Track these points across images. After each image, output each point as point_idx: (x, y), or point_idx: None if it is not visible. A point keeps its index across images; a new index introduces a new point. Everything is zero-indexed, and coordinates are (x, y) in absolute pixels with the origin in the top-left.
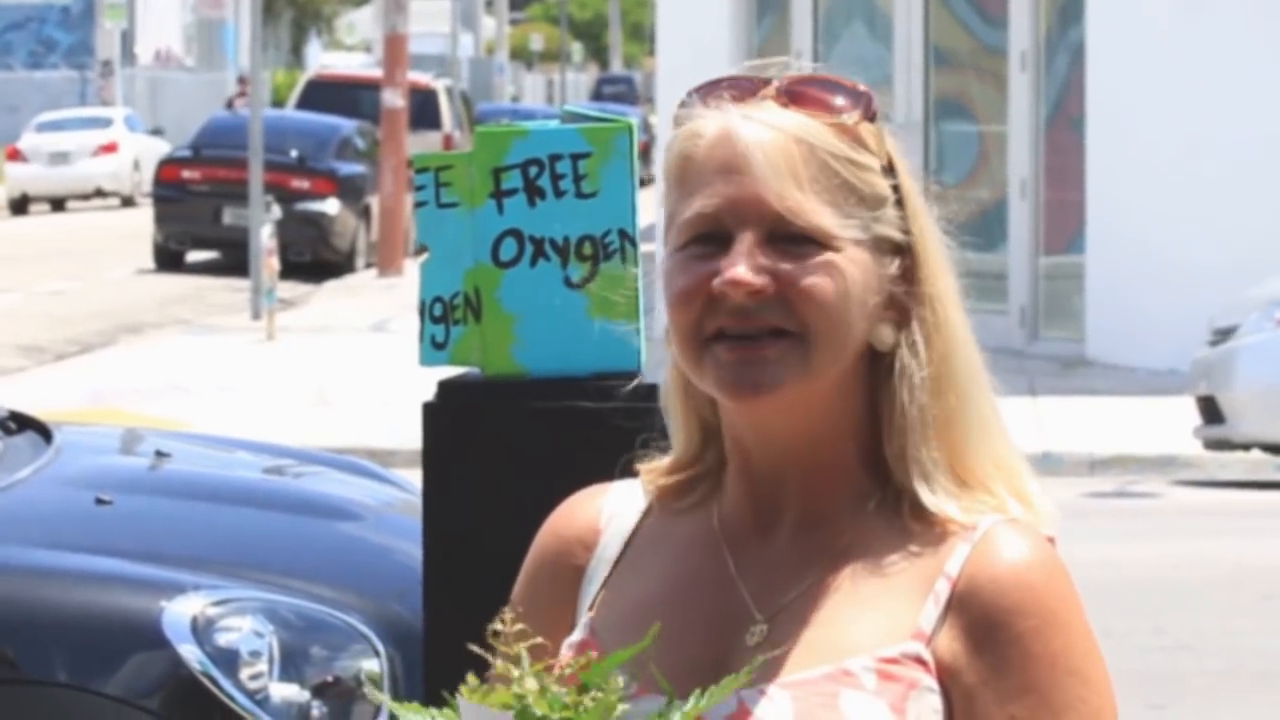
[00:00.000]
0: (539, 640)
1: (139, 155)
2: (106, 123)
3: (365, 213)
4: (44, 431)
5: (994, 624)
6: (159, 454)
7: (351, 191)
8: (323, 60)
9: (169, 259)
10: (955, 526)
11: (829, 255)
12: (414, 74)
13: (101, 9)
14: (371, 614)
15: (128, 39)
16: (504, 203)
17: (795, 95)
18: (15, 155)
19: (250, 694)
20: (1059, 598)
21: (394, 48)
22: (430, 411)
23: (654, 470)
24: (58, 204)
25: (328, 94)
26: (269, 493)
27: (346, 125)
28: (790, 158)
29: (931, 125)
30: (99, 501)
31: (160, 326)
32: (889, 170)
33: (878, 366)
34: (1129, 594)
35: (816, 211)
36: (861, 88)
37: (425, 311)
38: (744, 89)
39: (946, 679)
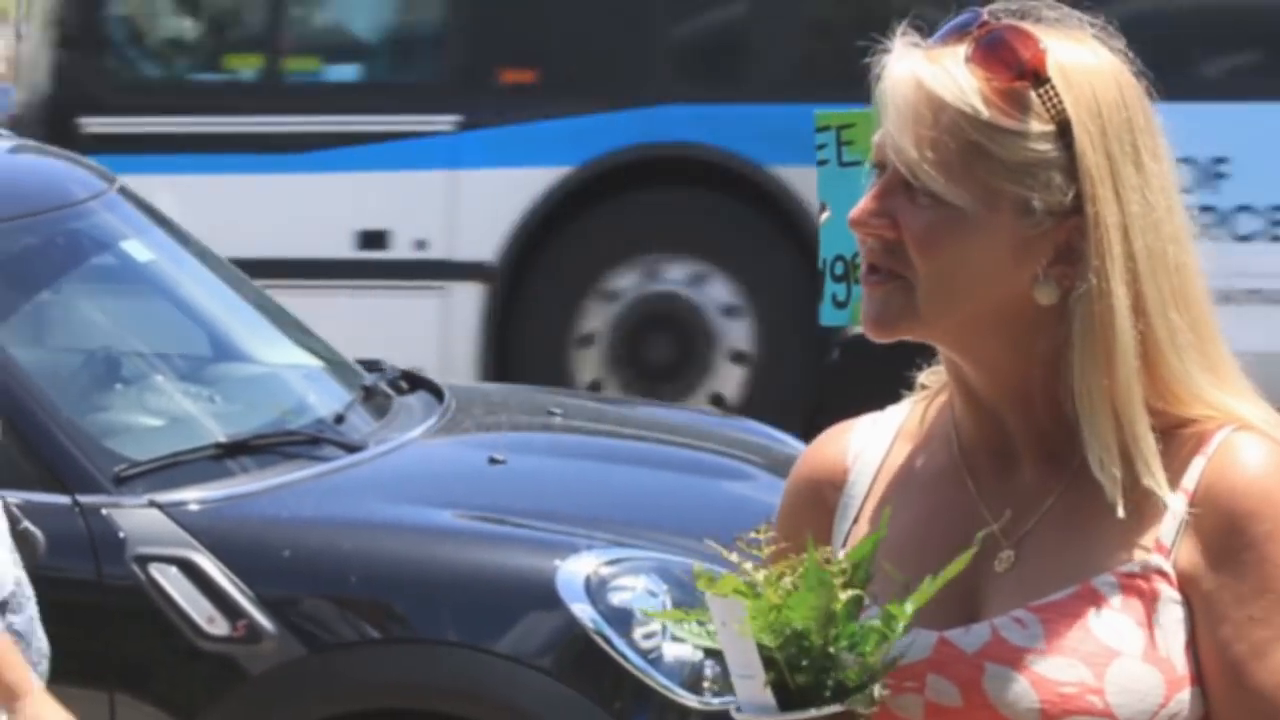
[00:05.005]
0: (785, 545)
1: None
2: None
3: None
4: (436, 391)
5: (1230, 530)
6: (550, 413)
7: None
8: None
9: None
10: (1189, 439)
11: (944, 212)
12: None
13: None
14: None
15: None
16: None
17: (976, 51)
18: None
19: (643, 653)
20: None
21: None
22: (828, 371)
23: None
24: None
25: None
26: (661, 452)
27: None
28: (919, 114)
29: None
30: (492, 461)
31: None
32: (1061, 134)
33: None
34: None
35: (931, 170)
36: (1040, 47)
37: (826, 270)
38: (951, 34)
39: (1188, 588)
